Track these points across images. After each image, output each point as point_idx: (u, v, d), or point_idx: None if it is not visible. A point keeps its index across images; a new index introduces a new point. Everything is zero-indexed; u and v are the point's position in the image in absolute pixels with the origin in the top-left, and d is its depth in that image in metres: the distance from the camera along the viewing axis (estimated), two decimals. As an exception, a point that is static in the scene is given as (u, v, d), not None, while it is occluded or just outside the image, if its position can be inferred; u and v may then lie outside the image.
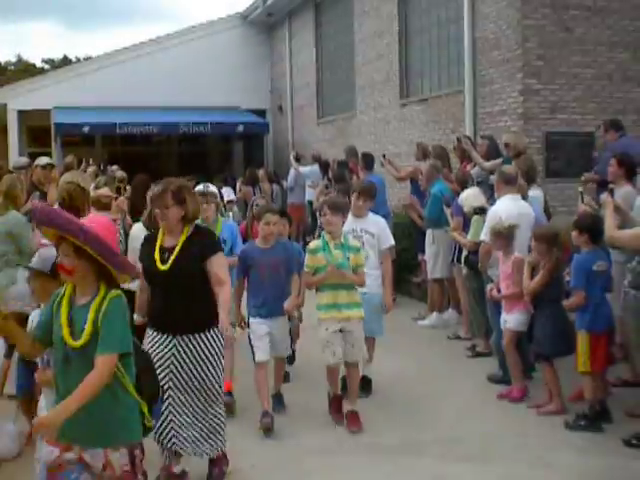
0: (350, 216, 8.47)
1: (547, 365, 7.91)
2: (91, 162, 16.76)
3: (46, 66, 55.40)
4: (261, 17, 25.43)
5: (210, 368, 6.12)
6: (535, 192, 9.88)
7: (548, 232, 8.06)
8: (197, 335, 6.06)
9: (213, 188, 8.43)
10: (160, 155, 30.17)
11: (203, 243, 6.11)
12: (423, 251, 12.25)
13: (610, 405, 7.70)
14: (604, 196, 8.02)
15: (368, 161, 14.22)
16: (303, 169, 19.25)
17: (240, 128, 24.37)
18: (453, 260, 11.02)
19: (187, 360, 6.06)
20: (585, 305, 7.44)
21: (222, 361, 6.25)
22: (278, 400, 8.15)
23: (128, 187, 11.39)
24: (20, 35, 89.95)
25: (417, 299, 13.49)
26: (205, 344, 6.10)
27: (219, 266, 6.09)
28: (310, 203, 17.94)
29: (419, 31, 17.16)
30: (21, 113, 25.49)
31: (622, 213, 7.59)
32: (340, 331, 7.48)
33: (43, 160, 11.58)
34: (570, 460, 6.73)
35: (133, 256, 8.49)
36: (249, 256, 7.75)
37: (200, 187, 8.22)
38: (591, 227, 7.56)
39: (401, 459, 6.88)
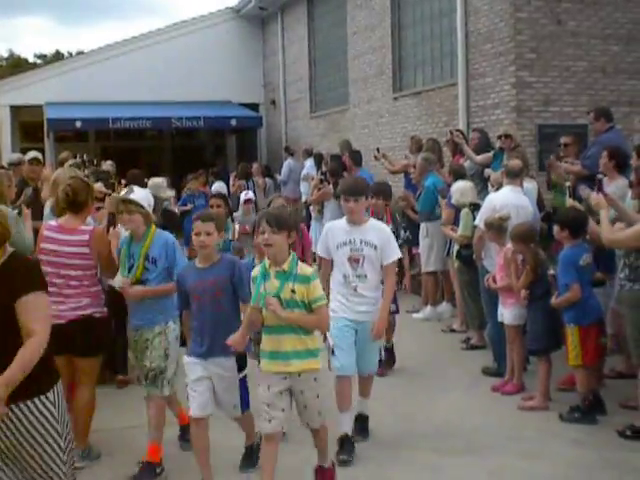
0: (344, 223, 6.87)
1: (542, 360, 7.93)
2: (85, 156, 16.66)
3: (38, 61, 55.31)
4: (253, 11, 25.36)
5: (37, 449, 4.36)
6: (528, 185, 9.90)
7: (521, 230, 8.07)
8: (15, 406, 4.25)
9: (139, 194, 6.60)
10: (153, 150, 30.10)
11: (13, 278, 4.29)
12: (417, 244, 12.26)
13: (604, 397, 7.72)
14: (586, 192, 8.08)
15: (357, 157, 14.27)
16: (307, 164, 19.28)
17: (233, 122, 24.31)
18: (448, 253, 11.03)
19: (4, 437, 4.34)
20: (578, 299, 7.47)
21: (59, 438, 4.43)
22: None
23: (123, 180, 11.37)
24: (12, 30, 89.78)
25: (411, 292, 13.48)
26: (26, 419, 4.32)
27: (30, 311, 4.22)
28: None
29: (412, 24, 17.14)
30: (13, 109, 25.41)
31: (618, 207, 7.60)
32: (288, 391, 5.69)
33: (29, 155, 11.54)
34: (565, 452, 6.75)
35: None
36: (185, 280, 6.09)
37: (122, 193, 6.96)
38: (571, 222, 7.58)
39: (396, 452, 6.89)
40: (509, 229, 8.35)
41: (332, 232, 6.87)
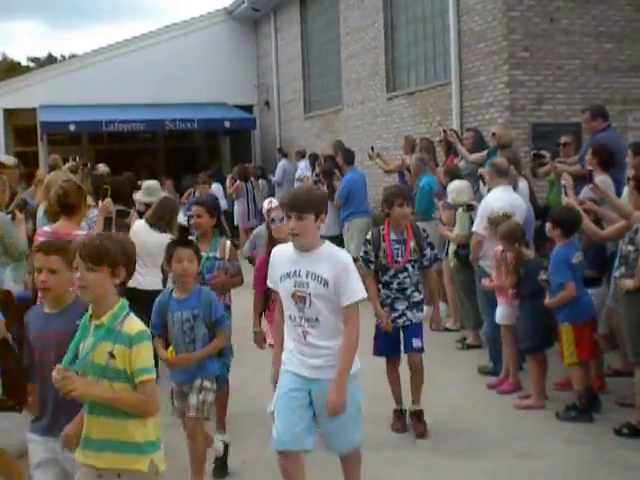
0: (290, 250, 5.07)
1: (533, 359, 7.94)
2: (77, 159, 16.60)
3: (31, 64, 55.26)
4: (246, 12, 25.34)
5: None
6: (520, 184, 9.89)
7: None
8: None
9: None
10: (147, 152, 30.06)
11: None
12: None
13: (601, 395, 7.73)
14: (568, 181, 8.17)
15: (349, 156, 14.26)
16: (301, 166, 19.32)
17: (227, 124, 24.28)
18: (447, 253, 11.02)
19: None
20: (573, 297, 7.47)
21: None
22: None
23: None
24: (5, 34, 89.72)
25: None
26: None
27: None
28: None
29: (405, 24, 17.15)
30: (7, 112, 25.36)
31: (607, 197, 7.70)
32: None
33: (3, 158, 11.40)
34: (562, 450, 6.75)
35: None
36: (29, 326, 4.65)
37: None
38: (564, 221, 7.59)
39: (393, 452, 6.89)
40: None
41: (276, 259, 5.19)
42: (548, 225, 7.69)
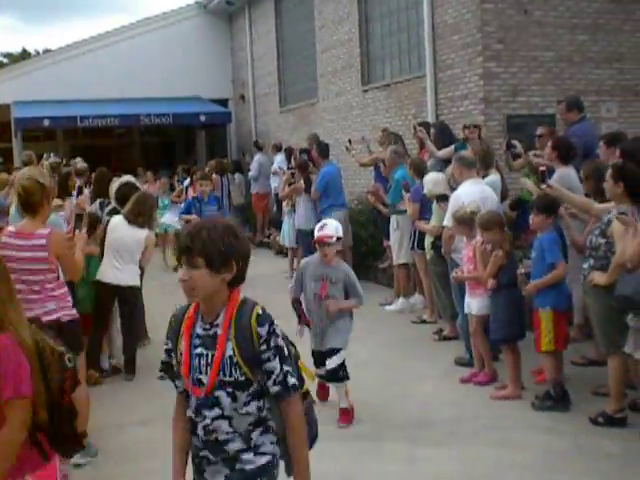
0: None
1: (508, 349, 7.98)
2: (52, 156, 16.55)
3: (5, 60, 54.83)
4: (220, 6, 25.28)
5: None
6: (492, 177, 9.91)
7: (486, 217, 8.09)
8: None
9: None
10: (123, 147, 29.99)
11: None
12: (388, 237, 12.29)
13: (576, 384, 7.79)
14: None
15: (324, 149, 14.27)
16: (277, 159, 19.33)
17: (202, 118, 24.24)
18: (413, 247, 11.07)
19: None
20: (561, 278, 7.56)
21: None
22: None
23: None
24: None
25: (383, 285, 13.53)
26: None
27: None
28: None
29: (379, 17, 17.15)
30: (-20, 108, 25.19)
31: (562, 196, 7.76)
32: None
33: None
34: (538, 440, 6.79)
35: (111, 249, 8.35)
36: None
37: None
38: (547, 207, 7.63)
39: (370, 444, 6.90)
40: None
41: None
42: (532, 215, 7.72)
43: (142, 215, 8.96)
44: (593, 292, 7.05)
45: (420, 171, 10.91)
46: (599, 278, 6.86)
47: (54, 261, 6.50)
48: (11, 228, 6.73)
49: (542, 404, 7.48)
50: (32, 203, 6.52)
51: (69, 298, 6.78)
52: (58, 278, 6.65)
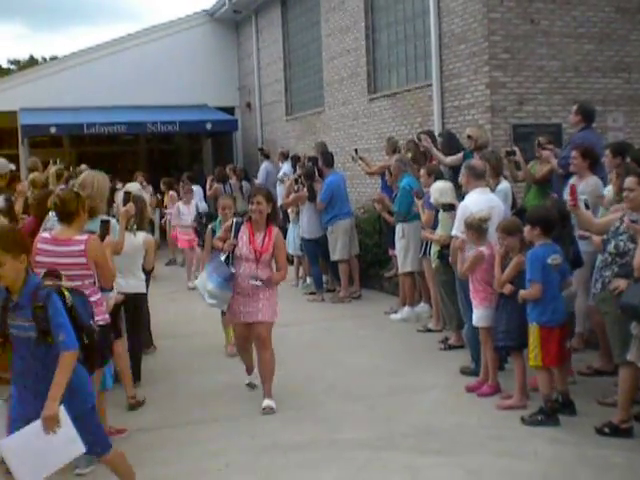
0: None
1: (517, 358, 7.93)
2: (58, 162, 16.54)
3: (12, 67, 55.01)
4: (227, 14, 25.32)
5: None
6: (504, 184, 9.93)
7: (505, 224, 8.06)
8: None
9: None
10: (129, 154, 30.00)
11: None
12: (394, 246, 12.28)
13: (581, 394, 7.77)
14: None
15: (328, 158, 14.29)
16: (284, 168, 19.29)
17: (208, 126, 24.23)
18: (425, 254, 11.03)
19: None
20: (538, 298, 7.43)
21: None
22: None
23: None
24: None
25: (389, 293, 13.53)
26: None
27: None
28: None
29: (386, 26, 17.17)
30: (-13, 115, 25.24)
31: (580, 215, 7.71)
32: None
33: None
34: (543, 450, 6.76)
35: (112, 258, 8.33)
36: None
37: None
38: (542, 220, 7.57)
39: (374, 453, 6.87)
40: (488, 230, 8.38)
41: None
42: (527, 227, 7.67)
43: (133, 218, 8.92)
44: (615, 299, 6.93)
45: (437, 176, 10.82)
46: (623, 284, 6.79)
47: (92, 267, 6.54)
48: (46, 234, 6.73)
49: (532, 418, 7.41)
50: (68, 212, 6.57)
51: (104, 304, 6.91)
52: (94, 284, 6.70)
